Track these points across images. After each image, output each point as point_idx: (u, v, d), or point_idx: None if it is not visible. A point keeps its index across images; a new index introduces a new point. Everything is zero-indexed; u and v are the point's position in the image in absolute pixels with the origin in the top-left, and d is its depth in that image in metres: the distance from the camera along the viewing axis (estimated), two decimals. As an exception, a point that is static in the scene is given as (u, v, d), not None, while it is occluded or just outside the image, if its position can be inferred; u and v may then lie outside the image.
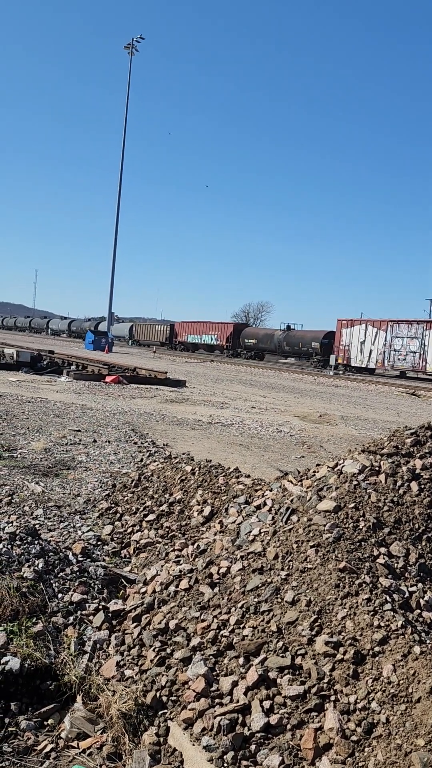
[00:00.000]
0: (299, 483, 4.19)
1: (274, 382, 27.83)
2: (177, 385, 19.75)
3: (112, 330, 71.61)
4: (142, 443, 9.04)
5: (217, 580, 3.52)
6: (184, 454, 7.92)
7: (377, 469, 3.97)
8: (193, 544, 4.21)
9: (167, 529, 4.75)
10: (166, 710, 2.86)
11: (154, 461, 7.20)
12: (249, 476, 5.30)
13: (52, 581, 3.72)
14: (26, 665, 3.09)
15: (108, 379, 18.63)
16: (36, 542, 4.00)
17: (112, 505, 5.61)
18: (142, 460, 7.67)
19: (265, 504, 4.09)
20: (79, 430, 9.70)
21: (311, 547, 3.37)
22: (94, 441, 8.89)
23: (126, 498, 5.74)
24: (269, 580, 3.31)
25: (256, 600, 3.22)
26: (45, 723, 2.99)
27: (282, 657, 2.84)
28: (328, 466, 4.12)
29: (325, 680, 2.69)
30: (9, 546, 3.84)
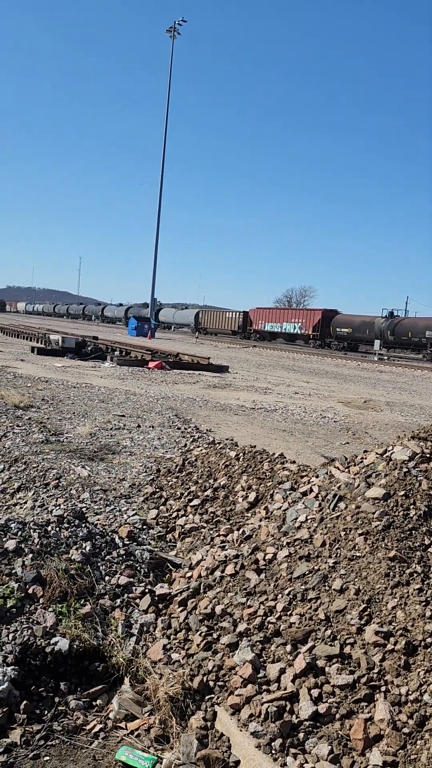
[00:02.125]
0: (346, 470, 4.11)
1: (318, 368, 27.52)
2: (219, 371, 19.73)
3: (175, 317, 70.02)
4: (185, 428, 9.05)
5: (264, 567, 3.49)
6: (227, 439, 7.90)
7: (428, 456, 3.85)
8: (238, 529, 4.19)
9: (212, 515, 4.74)
10: (212, 695, 2.85)
11: (198, 446, 7.20)
12: (294, 462, 5.23)
13: (99, 564, 3.76)
14: (75, 646, 3.13)
15: (151, 364, 18.75)
16: (83, 525, 4.04)
17: (157, 490, 5.64)
18: (185, 445, 7.68)
19: (311, 490, 4.03)
20: (124, 416, 9.78)
21: (360, 534, 3.30)
22: (138, 426, 8.95)
23: (170, 483, 5.75)
24: (316, 567, 3.26)
25: (303, 587, 3.17)
26: (93, 703, 3.03)
27: (330, 645, 2.79)
28: (377, 453, 4.02)
29: (375, 670, 2.63)
30: (57, 528, 3.90)
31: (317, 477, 4.33)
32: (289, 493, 4.28)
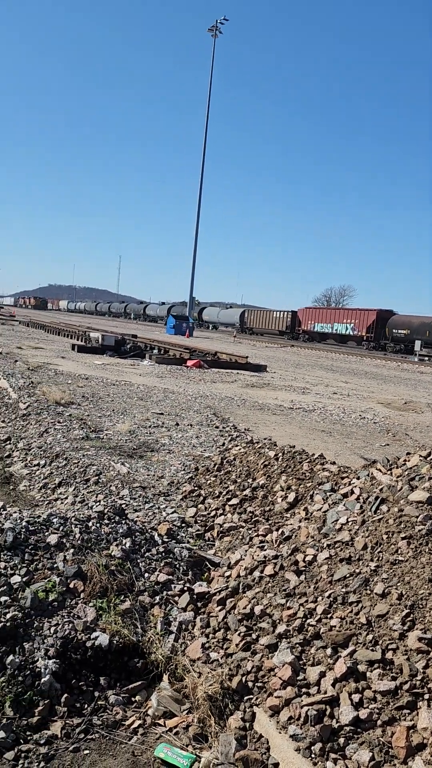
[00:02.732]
0: (388, 472, 4.04)
1: (356, 368, 27.19)
2: (257, 370, 19.67)
3: (219, 316, 69.29)
4: (223, 427, 9.05)
5: (303, 568, 3.46)
6: (265, 439, 7.87)
7: (474, 459, 3.75)
8: (277, 530, 4.16)
9: (251, 514, 4.72)
10: (251, 695, 2.84)
11: (236, 445, 7.19)
12: (334, 463, 5.17)
13: (138, 561, 3.78)
14: (115, 642, 3.15)
15: (189, 363, 18.80)
16: (123, 522, 4.07)
17: (195, 488, 5.65)
18: (224, 444, 7.67)
19: (352, 492, 3.97)
20: (162, 414, 9.84)
21: (403, 538, 3.24)
22: (177, 424, 8.99)
23: (209, 481, 5.76)
24: (358, 570, 3.21)
25: (344, 590, 3.13)
26: (132, 699, 3.05)
27: (372, 651, 2.74)
28: (420, 455, 3.94)
29: (419, 677, 2.58)
30: (98, 524, 3.93)
31: (358, 479, 4.27)
32: (330, 495, 4.23)
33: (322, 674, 2.74)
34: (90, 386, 12.19)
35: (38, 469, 6.42)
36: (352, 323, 50.56)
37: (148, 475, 6.14)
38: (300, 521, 4.08)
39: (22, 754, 2.65)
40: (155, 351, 20.88)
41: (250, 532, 4.37)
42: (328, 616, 3.03)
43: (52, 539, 3.66)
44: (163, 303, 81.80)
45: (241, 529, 4.53)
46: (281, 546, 3.86)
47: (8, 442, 7.62)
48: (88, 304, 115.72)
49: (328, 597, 3.13)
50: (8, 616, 3.08)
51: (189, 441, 7.93)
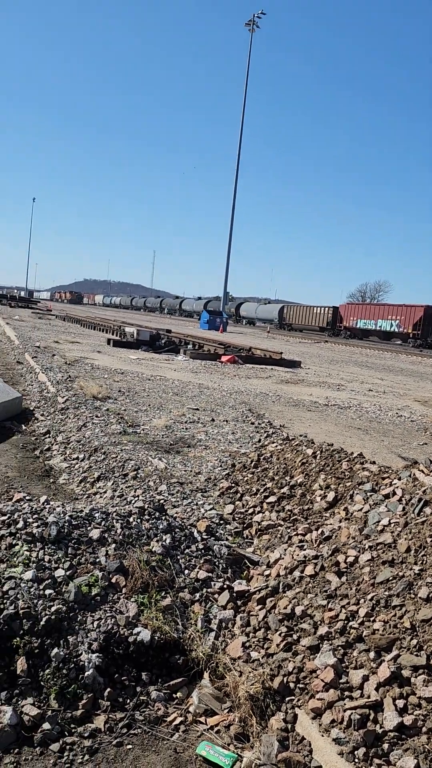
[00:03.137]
0: (431, 473, 3.97)
1: (392, 365, 26.82)
2: (292, 366, 19.56)
3: (257, 312, 67.92)
4: (259, 423, 9.03)
5: (345, 569, 3.43)
6: (301, 435, 7.82)
7: None
8: (317, 529, 4.14)
9: (289, 512, 4.70)
10: (293, 696, 2.83)
11: (273, 442, 7.16)
12: (374, 462, 5.11)
13: (178, 557, 3.80)
14: (156, 638, 3.18)
15: (224, 358, 18.80)
16: (163, 518, 4.10)
17: (233, 485, 5.65)
18: (260, 440, 7.65)
19: (394, 493, 3.92)
20: (197, 409, 9.86)
21: (448, 542, 3.18)
22: (212, 420, 9.00)
23: (246, 478, 5.75)
24: (401, 573, 3.17)
25: (386, 593, 3.09)
26: (173, 696, 3.07)
27: (416, 656, 2.71)
28: (465, 457, 3.86)
29: (466, 685, 2.53)
30: (139, 520, 3.97)
31: (399, 479, 4.21)
32: (370, 495, 4.18)
33: (365, 678, 2.71)
34: (126, 381, 12.29)
35: (77, 463, 6.50)
36: (397, 320, 48.65)
37: (185, 470, 6.16)
38: (340, 521, 4.04)
39: (67, 747, 2.69)
40: (190, 346, 20.93)
41: (289, 530, 4.35)
42: (371, 619, 3.00)
43: (95, 534, 3.71)
44: (200, 298, 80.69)
45: (279, 527, 4.51)
46: (321, 546, 3.83)
47: (47, 436, 7.74)
48: (123, 299, 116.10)
49: (371, 600, 3.10)
50: (53, 609, 3.13)
51: (225, 437, 7.93)
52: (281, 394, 12.92)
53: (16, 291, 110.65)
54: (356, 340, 50.44)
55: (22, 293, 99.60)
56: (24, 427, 8.22)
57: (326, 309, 57.55)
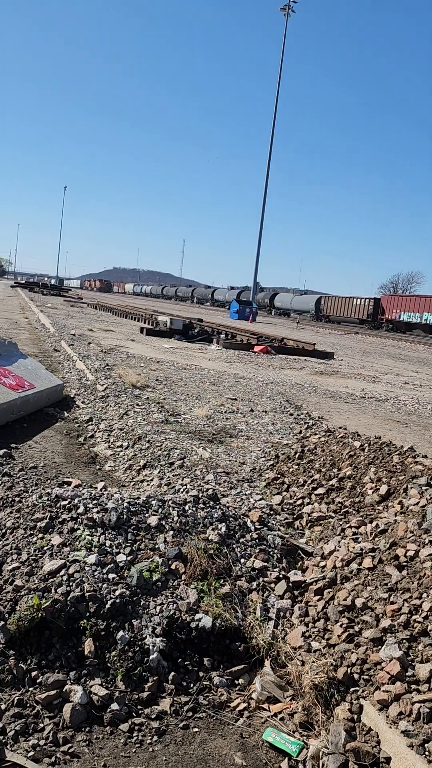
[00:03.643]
0: None
1: (426, 357, 26.49)
2: (325, 357, 19.45)
3: (292, 303, 66.30)
4: (297, 415, 9.01)
5: (405, 563, 3.42)
6: (341, 427, 7.79)
7: None
8: (370, 522, 4.13)
9: (339, 505, 4.69)
10: (357, 687, 2.84)
11: (314, 434, 7.14)
12: (426, 456, 5.07)
13: (234, 546, 3.83)
14: (217, 624, 3.22)
15: (257, 348, 18.78)
16: (218, 507, 4.13)
17: (278, 476, 5.66)
18: (300, 431, 7.64)
19: (452, 488, 3.89)
20: (235, 399, 9.88)
21: None
22: (251, 410, 9.01)
23: (291, 469, 5.75)
24: (465, 569, 3.15)
25: (450, 588, 3.08)
26: (235, 682, 3.11)
27: None
28: None
29: None
30: (194, 508, 4.01)
31: (455, 474, 4.17)
32: (425, 489, 4.15)
33: (433, 672, 2.71)
34: (162, 369, 12.36)
35: (121, 451, 6.58)
36: None
37: (229, 460, 6.19)
38: (395, 515, 4.03)
39: (136, 727, 2.75)
40: (222, 336, 20.93)
41: (341, 522, 4.35)
42: (435, 613, 2.99)
43: (153, 521, 3.76)
44: (232, 287, 79.21)
45: (330, 519, 4.51)
46: (377, 539, 3.83)
47: (90, 423, 7.84)
48: (154, 288, 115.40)
49: (434, 594, 3.08)
50: (117, 593, 3.19)
51: (265, 427, 7.94)
52: (316, 385, 12.87)
53: (47, 279, 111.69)
54: (398, 333, 48.44)
55: (53, 281, 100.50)
56: (66, 414, 8.34)
57: (367, 300, 55.29)
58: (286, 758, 2.65)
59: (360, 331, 46.12)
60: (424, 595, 3.12)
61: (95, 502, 3.82)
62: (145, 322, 24.41)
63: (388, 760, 2.52)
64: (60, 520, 3.68)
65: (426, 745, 2.46)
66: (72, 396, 9.38)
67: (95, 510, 3.72)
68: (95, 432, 7.44)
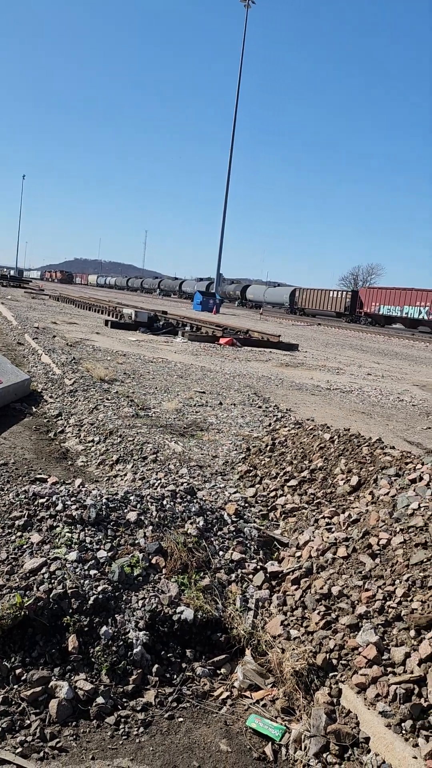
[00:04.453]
0: (457, 459, 4.08)
1: (386, 348, 27.02)
2: (290, 349, 19.66)
3: (265, 295, 64.38)
4: (266, 407, 9.13)
5: (378, 551, 3.55)
6: (308, 419, 7.94)
7: None
8: (343, 512, 4.25)
9: (312, 496, 4.81)
10: (336, 672, 2.95)
11: (284, 426, 7.27)
12: (393, 448, 5.23)
13: (212, 539, 3.90)
14: (199, 616, 3.29)
15: (222, 341, 18.86)
16: (195, 501, 4.20)
17: (251, 468, 5.75)
18: (270, 424, 7.75)
19: (421, 478, 4.04)
20: (204, 392, 9.94)
21: None
22: (220, 403, 9.09)
23: (263, 462, 5.85)
24: (435, 555, 3.29)
25: (422, 574, 3.21)
26: (217, 672, 3.19)
27: (457, 634, 2.83)
28: None
29: None
30: (172, 503, 4.06)
31: (423, 464, 4.33)
32: (395, 479, 4.29)
33: (407, 655, 2.84)
34: (129, 363, 12.33)
35: (93, 446, 6.57)
36: (426, 306, 44.04)
37: (202, 454, 6.25)
38: (367, 505, 4.16)
39: (122, 719, 2.80)
40: (188, 328, 20.94)
41: (314, 513, 4.47)
42: (409, 599, 3.12)
43: (132, 516, 3.80)
44: (201, 279, 77.77)
45: (303, 510, 4.62)
46: (350, 529, 3.95)
47: (59, 418, 7.79)
48: (119, 279, 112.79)
49: (407, 580, 3.21)
50: (99, 588, 3.23)
51: (235, 420, 8.03)
52: (283, 377, 13.03)
53: (5, 270, 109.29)
54: (377, 327, 47.28)
55: (12, 272, 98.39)
56: (34, 409, 8.27)
57: (344, 293, 54.07)
58: (270, 743, 2.75)
59: (322, 322, 46.55)
60: (397, 581, 3.25)
61: (73, 499, 3.84)
62: (109, 315, 24.23)
63: (367, 739, 2.64)
64: (38, 518, 3.69)
65: (403, 724, 2.58)
66: (39, 391, 9.29)
67: (74, 507, 3.74)
68: (65, 427, 7.41)
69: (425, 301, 44.47)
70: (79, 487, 4.12)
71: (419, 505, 3.73)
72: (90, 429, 7.05)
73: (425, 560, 3.30)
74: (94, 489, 4.09)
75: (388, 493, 4.13)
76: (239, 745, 2.76)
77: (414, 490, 3.92)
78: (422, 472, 4.10)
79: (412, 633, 2.94)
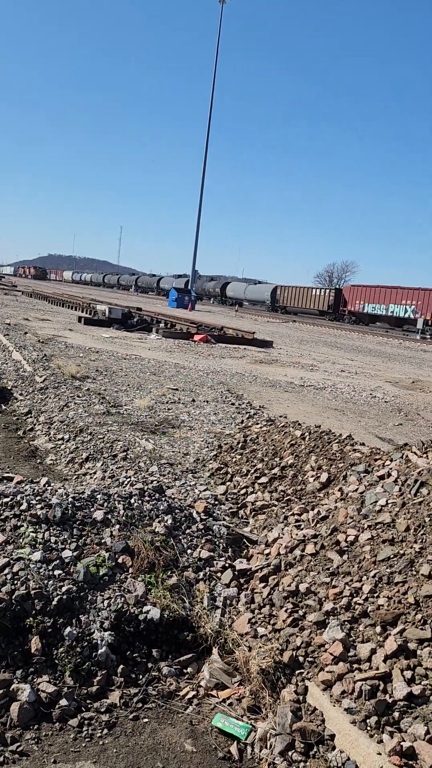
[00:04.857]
0: (424, 455, 4.11)
1: (360, 345, 27.23)
2: (264, 346, 19.69)
3: (246, 293, 62.29)
4: (239, 404, 9.11)
5: (345, 548, 3.55)
6: (281, 416, 7.95)
7: None
8: (312, 509, 4.25)
9: (282, 493, 4.80)
10: (302, 670, 2.94)
11: (256, 423, 7.26)
12: (363, 444, 5.25)
13: (180, 537, 3.87)
14: (165, 615, 3.25)
15: (196, 337, 18.81)
16: (163, 499, 4.15)
17: (222, 466, 5.73)
18: (242, 421, 7.74)
19: (389, 474, 4.05)
20: (177, 389, 9.89)
21: (446, 521, 3.32)
22: (193, 401, 9.05)
23: (235, 459, 5.83)
24: (402, 551, 3.30)
25: (388, 571, 3.22)
26: (184, 671, 3.16)
27: (421, 629, 2.84)
28: (457, 440, 4.01)
29: (470, 656, 2.68)
30: (140, 501, 4.01)
31: (392, 461, 4.35)
32: (364, 476, 4.30)
33: (373, 651, 2.84)
34: (102, 360, 12.22)
35: (63, 444, 6.49)
36: (413, 305, 42.49)
37: (173, 451, 6.21)
38: (336, 501, 4.16)
39: (86, 721, 2.76)
40: (162, 325, 20.84)
41: (283, 510, 4.46)
42: (375, 595, 3.13)
43: (98, 515, 3.74)
44: (179, 276, 76.52)
45: (273, 507, 4.61)
46: (319, 525, 3.95)
47: (29, 416, 7.68)
48: (94, 276, 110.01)
49: (374, 577, 3.22)
50: (63, 589, 3.17)
51: (207, 417, 8.00)
52: (257, 374, 13.03)
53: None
54: (361, 326, 45.83)
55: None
56: (3, 407, 8.14)
57: (327, 291, 52.43)
58: (236, 742, 2.73)
59: (296, 319, 46.64)
60: (364, 577, 3.25)
61: (39, 498, 3.77)
62: (83, 311, 23.98)
63: (332, 736, 2.64)
64: (2, 517, 3.61)
65: (368, 721, 2.58)
66: (9, 388, 9.15)
67: (39, 506, 3.68)
68: (35, 425, 7.30)
69: (412, 300, 43.16)
70: (45, 485, 4.05)
71: (387, 501, 3.75)
72: (60, 427, 6.96)
73: (392, 556, 3.30)
74: (60, 488, 4.02)
75: (356, 490, 4.14)
76: (204, 744, 2.74)
77: (382, 487, 3.93)
78: (390, 469, 4.11)
79: (378, 629, 2.94)
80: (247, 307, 59.25)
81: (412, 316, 42.53)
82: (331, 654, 2.89)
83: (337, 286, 52.22)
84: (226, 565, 3.77)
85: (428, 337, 39.54)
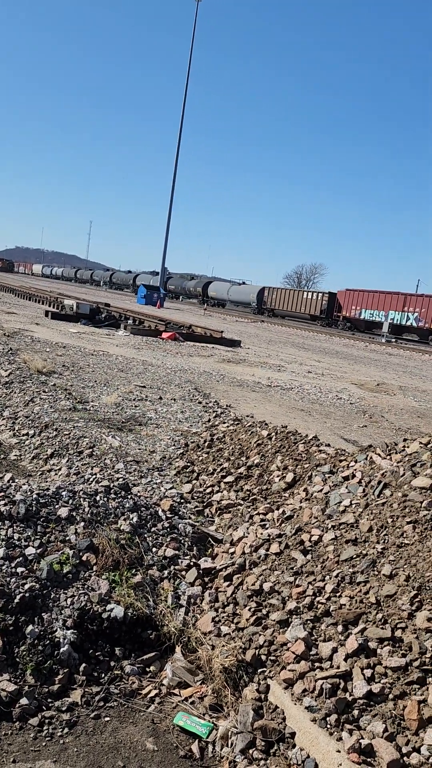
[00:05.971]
0: (388, 457, 4.18)
1: (327, 347, 27.52)
2: (232, 345, 19.74)
3: (230, 293, 59.11)
4: (206, 403, 9.12)
5: (309, 548, 3.59)
6: (247, 416, 7.99)
7: (472, 449, 3.92)
8: (277, 509, 4.28)
9: (248, 492, 4.83)
10: (264, 668, 2.97)
11: (223, 422, 7.29)
12: (329, 445, 5.31)
13: (146, 535, 3.86)
14: (129, 614, 3.24)
15: (165, 335, 18.74)
16: (129, 497, 4.13)
17: (188, 464, 5.73)
18: (209, 420, 7.76)
19: (353, 476, 4.11)
20: (144, 386, 9.85)
21: (408, 523, 3.39)
22: (160, 398, 9.02)
23: (201, 458, 5.84)
24: (364, 552, 3.36)
25: (351, 570, 3.27)
26: (147, 669, 3.15)
27: (382, 629, 2.89)
28: (420, 443, 4.09)
29: (428, 655, 2.73)
30: (105, 499, 3.99)
31: (356, 462, 4.41)
32: (329, 477, 4.36)
33: (335, 650, 2.88)
34: (69, 355, 12.09)
35: (27, 439, 6.40)
36: (416, 312, 39.97)
37: (139, 449, 6.19)
38: (301, 501, 4.20)
39: (46, 720, 2.73)
40: (130, 321, 20.72)
41: (249, 510, 4.49)
42: (337, 594, 3.17)
43: (63, 512, 3.70)
44: (156, 273, 75.11)
45: (239, 506, 4.64)
46: (284, 525, 3.98)
47: (-7, 410, 7.54)
48: (66, 270, 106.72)
49: (336, 576, 3.26)
50: (26, 586, 3.13)
51: (174, 416, 7.99)
52: (224, 373, 13.06)
53: None
54: (357, 332, 43.64)
55: None
56: (-33, 401, 7.97)
57: (321, 295, 49.03)
58: (197, 740, 2.74)
59: (265, 319, 46.70)
60: (327, 577, 3.29)
61: (2, 494, 3.71)
62: (50, 305, 23.69)
63: (293, 735, 2.66)
64: (-36, 513, 3.54)
65: (328, 719, 2.62)
66: (-27, 382, 8.98)
67: (2, 503, 3.62)
68: (-1, 419, 7.18)
69: (413, 306, 40.43)
70: (8, 481, 3.99)
71: (351, 502, 3.80)
72: (25, 422, 6.86)
73: (354, 556, 3.36)
74: (24, 484, 3.97)
75: (321, 490, 4.19)
76: (166, 743, 2.74)
77: (346, 487, 3.98)
78: (355, 470, 4.18)
79: (340, 628, 2.98)
80: (230, 308, 56.71)
81: (414, 324, 40.32)
82: (293, 653, 2.92)
83: (331, 290, 48.55)
84: (191, 563, 3.78)
85: (393, 340, 39.71)
